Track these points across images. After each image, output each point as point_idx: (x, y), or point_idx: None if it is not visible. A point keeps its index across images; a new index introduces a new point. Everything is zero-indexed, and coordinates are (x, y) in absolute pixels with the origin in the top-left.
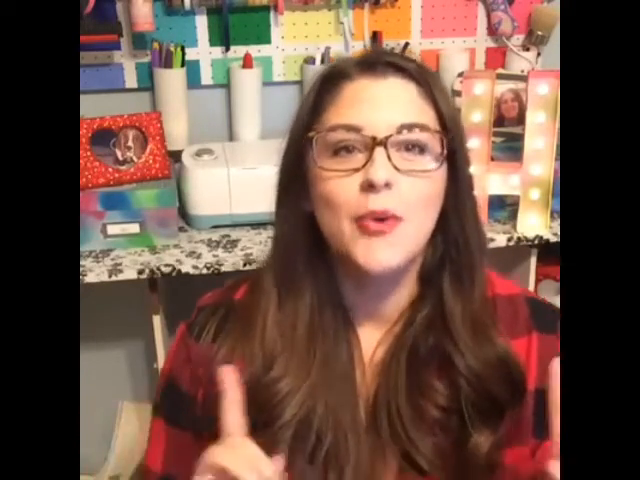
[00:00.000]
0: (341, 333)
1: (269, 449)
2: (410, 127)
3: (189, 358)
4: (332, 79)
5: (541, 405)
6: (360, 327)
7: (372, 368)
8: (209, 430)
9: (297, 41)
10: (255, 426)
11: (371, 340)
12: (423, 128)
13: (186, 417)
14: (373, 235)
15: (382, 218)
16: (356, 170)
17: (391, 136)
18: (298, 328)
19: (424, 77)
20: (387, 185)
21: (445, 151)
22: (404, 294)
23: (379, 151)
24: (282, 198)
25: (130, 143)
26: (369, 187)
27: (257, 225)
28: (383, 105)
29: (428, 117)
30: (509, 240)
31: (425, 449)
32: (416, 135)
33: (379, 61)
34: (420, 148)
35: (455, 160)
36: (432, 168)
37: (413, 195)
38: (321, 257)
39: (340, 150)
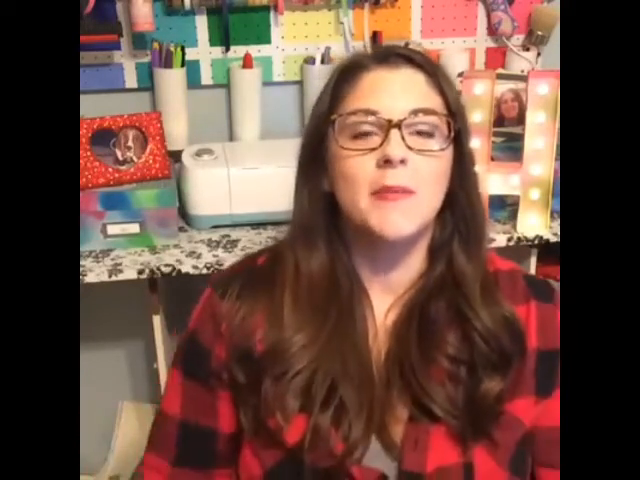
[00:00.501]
0: (355, 296)
1: (282, 396)
2: (421, 111)
3: (214, 314)
4: (350, 70)
5: (541, 364)
6: (373, 293)
7: (384, 330)
8: (222, 385)
9: (297, 41)
10: (271, 377)
11: (383, 305)
12: (432, 112)
13: (201, 369)
14: (389, 201)
15: (397, 192)
16: (373, 149)
17: (405, 119)
18: (314, 292)
19: (431, 67)
20: (402, 162)
21: (452, 133)
22: (414, 266)
23: (394, 132)
24: (302, 178)
25: (130, 143)
26: (385, 163)
27: (257, 225)
28: (397, 93)
29: (436, 103)
30: (509, 240)
31: (438, 397)
32: (426, 118)
33: (391, 53)
34: (429, 132)
35: (460, 141)
36: (440, 148)
37: (424, 172)
38: (337, 233)
39: (359, 134)
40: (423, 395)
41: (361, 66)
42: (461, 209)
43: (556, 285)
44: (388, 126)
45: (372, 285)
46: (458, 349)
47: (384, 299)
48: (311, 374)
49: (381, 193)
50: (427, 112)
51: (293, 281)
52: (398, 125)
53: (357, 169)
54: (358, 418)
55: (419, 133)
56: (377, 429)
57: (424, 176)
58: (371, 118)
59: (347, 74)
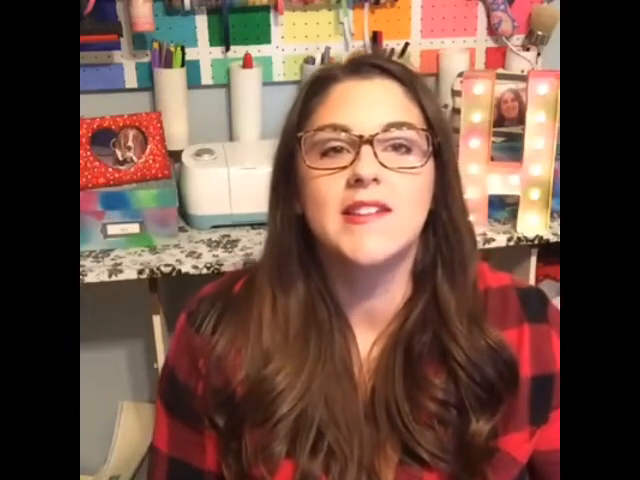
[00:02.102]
0: (336, 329)
1: (268, 444)
2: (396, 126)
3: (189, 349)
4: (319, 82)
5: (536, 392)
6: (355, 326)
7: (368, 364)
8: (206, 426)
9: (297, 41)
10: (254, 422)
11: (367, 338)
12: (408, 126)
13: (184, 408)
14: (359, 224)
15: (366, 212)
16: (344, 168)
17: (377, 134)
18: (292, 325)
19: (408, 78)
20: (375, 180)
21: (430, 148)
22: (397, 294)
23: (366, 149)
24: (274, 199)
25: (130, 143)
26: (356, 182)
27: (257, 225)
28: (369, 105)
29: (413, 116)
30: (509, 240)
31: (425, 442)
32: (402, 133)
33: (365, 63)
34: (406, 148)
35: (442, 157)
36: (418, 165)
37: (402, 190)
38: (313, 258)
39: (328, 151)
40: (410, 439)
41: (331, 77)
42: (443, 229)
43: (555, 286)
44: (359, 142)
45: (354, 315)
46: (444, 391)
47: (368, 331)
48: (295, 419)
49: (352, 213)
50: (402, 126)
51: (270, 317)
52: (370, 141)
53: (326, 189)
54: (349, 464)
55: (395, 148)
56: (367, 472)
57: (402, 194)
58: (341, 135)
59: (316, 86)
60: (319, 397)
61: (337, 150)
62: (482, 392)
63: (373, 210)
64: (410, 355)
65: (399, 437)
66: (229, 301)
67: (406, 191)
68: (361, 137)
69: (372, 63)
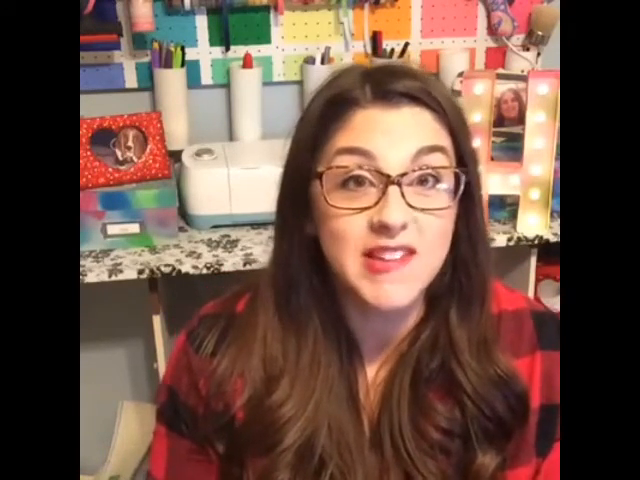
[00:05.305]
0: (345, 355)
1: (271, 473)
2: (427, 150)
3: (189, 368)
4: (338, 104)
5: (544, 421)
6: (365, 347)
7: (375, 387)
8: (209, 445)
9: (297, 41)
10: (257, 450)
11: (376, 359)
12: (439, 150)
13: (186, 425)
14: (382, 272)
15: (390, 258)
16: (367, 208)
17: (405, 174)
18: (302, 352)
19: (438, 102)
20: (403, 227)
21: (461, 187)
22: (411, 315)
23: (393, 190)
24: (281, 224)
25: (130, 143)
26: (381, 228)
27: (257, 225)
28: (397, 134)
29: (444, 141)
30: (509, 240)
31: (427, 472)
32: (431, 161)
33: (392, 90)
34: (435, 179)
35: (470, 193)
36: (447, 206)
37: (427, 231)
38: (324, 281)
39: (349, 180)
40: (412, 469)
41: (352, 102)
42: (464, 259)
43: (555, 285)
44: (386, 182)
45: (366, 339)
46: (449, 420)
47: (377, 353)
48: (299, 447)
49: (375, 257)
50: (433, 150)
51: (275, 339)
52: (398, 182)
53: (347, 228)
54: None
55: (422, 182)
56: None
57: (427, 235)
58: (365, 162)
59: (336, 108)
60: (323, 424)
61: (359, 182)
62: (491, 426)
63: (397, 255)
64: (417, 379)
65: (402, 466)
66: (232, 321)
67: (432, 231)
68: (388, 177)
69: (400, 92)
